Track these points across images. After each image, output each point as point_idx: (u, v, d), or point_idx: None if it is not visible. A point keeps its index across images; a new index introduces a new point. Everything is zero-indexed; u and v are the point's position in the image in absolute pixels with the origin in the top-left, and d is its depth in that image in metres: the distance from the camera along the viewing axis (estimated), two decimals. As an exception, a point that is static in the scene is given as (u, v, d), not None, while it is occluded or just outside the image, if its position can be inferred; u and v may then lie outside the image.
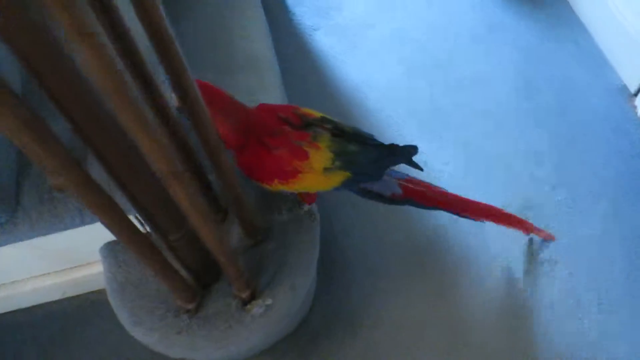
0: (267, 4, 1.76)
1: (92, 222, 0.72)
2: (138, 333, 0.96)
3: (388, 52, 1.65)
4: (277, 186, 0.89)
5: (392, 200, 1.03)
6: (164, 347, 0.95)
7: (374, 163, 0.93)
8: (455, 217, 1.14)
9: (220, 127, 0.81)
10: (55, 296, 1.26)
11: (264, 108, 0.92)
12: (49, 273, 1.20)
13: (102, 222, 0.60)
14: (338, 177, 0.90)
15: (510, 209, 1.22)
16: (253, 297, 0.96)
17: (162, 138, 0.53)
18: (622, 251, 1.24)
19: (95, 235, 0.68)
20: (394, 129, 1.48)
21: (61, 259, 1.14)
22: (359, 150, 0.90)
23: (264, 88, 1.19)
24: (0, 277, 1.19)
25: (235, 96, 0.89)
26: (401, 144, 0.95)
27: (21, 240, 0.91)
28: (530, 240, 1.28)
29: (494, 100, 1.51)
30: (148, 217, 0.72)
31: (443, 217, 1.29)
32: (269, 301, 0.96)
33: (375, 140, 0.96)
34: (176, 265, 0.89)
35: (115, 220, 0.61)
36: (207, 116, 0.71)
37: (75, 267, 1.20)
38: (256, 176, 0.89)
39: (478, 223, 1.21)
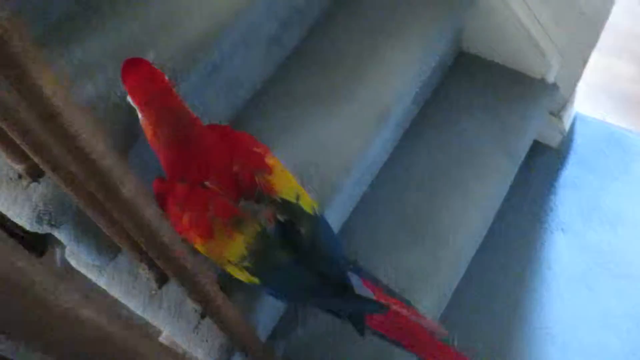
0: (534, 164, 1.39)
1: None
2: None
3: (618, 325, 1.17)
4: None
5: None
6: None
7: (304, 291, 0.70)
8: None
9: (150, 133, 0.65)
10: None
11: (235, 140, 0.70)
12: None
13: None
14: (241, 276, 0.69)
15: None
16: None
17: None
18: None
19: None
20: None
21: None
22: (291, 268, 0.67)
23: (425, 276, 0.92)
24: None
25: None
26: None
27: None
28: None
29: None
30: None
31: None
32: None
33: (340, 271, 0.70)
34: None
35: None
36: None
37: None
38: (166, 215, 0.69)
39: None
